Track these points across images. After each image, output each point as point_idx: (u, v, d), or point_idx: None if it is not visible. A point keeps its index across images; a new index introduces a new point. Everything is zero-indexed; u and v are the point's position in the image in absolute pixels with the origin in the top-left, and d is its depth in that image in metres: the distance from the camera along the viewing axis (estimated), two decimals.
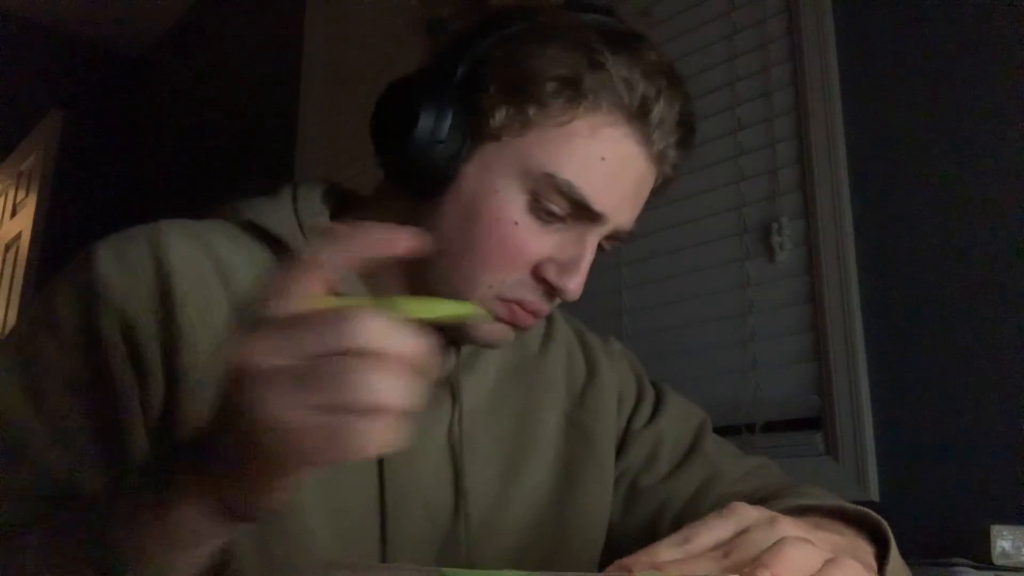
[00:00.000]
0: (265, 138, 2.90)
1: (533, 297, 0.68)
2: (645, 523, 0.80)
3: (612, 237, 0.71)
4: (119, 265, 0.63)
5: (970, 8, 1.37)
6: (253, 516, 0.46)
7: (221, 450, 0.44)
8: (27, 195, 3.51)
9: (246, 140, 3.00)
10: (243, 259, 0.69)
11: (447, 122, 0.65)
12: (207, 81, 3.37)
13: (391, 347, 0.39)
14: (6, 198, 3.74)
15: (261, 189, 0.76)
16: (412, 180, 0.67)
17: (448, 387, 0.75)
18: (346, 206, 0.77)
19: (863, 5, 1.50)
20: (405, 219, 0.68)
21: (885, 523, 0.64)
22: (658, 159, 0.70)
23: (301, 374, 0.39)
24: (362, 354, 0.39)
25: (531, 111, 0.65)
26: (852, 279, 1.42)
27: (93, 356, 0.62)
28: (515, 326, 0.70)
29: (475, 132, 0.66)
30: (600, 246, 0.71)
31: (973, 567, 1.05)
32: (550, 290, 0.68)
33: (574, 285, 0.68)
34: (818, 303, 1.45)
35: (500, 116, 0.65)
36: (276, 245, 0.71)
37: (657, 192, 0.74)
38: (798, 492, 0.72)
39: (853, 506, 0.65)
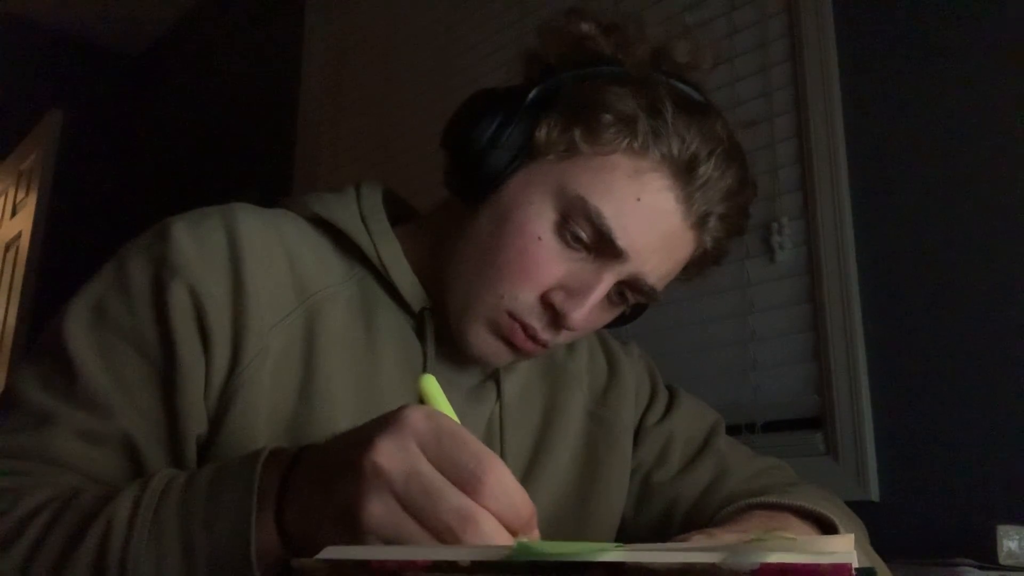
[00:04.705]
0: (265, 138, 2.90)
1: (537, 324, 0.70)
2: (657, 519, 0.83)
3: (634, 287, 0.72)
4: (193, 240, 0.67)
5: (969, 8, 1.37)
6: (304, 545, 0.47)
7: (306, 498, 0.47)
8: (27, 195, 3.51)
9: (246, 140, 3.00)
10: (308, 247, 0.73)
11: (507, 132, 0.69)
12: (207, 81, 3.37)
13: (506, 507, 0.43)
14: (6, 198, 3.74)
15: (263, 191, 0.77)
16: (462, 180, 0.71)
17: (495, 382, 0.80)
18: (402, 213, 0.81)
19: (863, 5, 1.50)
20: (451, 230, 0.74)
21: (836, 520, 0.65)
22: (698, 224, 0.71)
23: (413, 487, 0.42)
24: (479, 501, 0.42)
25: (577, 134, 0.68)
26: (852, 279, 1.42)
27: (161, 324, 0.64)
28: (512, 347, 0.71)
29: (530, 149, 0.69)
30: (624, 296, 0.73)
31: (977, 567, 1.04)
32: (555, 318, 0.69)
33: (578, 314, 0.68)
34: (818, 303, 1.45)
35: (549, 133, 0.69)
36: (339, 238, 0.75)
37: (697, 265, 0.76)
38: (782, 490, 0.73)
39: (811, 508, 0.67)
